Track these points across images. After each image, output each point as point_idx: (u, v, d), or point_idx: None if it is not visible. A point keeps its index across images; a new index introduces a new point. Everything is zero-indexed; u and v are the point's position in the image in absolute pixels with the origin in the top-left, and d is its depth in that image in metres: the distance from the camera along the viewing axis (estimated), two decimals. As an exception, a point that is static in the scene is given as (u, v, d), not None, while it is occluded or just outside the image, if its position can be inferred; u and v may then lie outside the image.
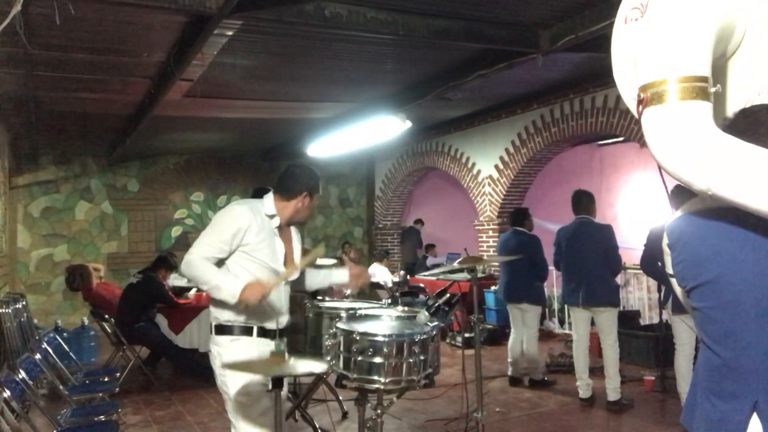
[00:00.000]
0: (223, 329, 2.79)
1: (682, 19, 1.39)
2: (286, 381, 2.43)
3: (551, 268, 6.03)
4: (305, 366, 2.41)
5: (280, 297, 2.88)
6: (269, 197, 2.93)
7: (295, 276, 2.96)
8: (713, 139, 1.34)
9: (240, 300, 2.62)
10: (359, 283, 3.25)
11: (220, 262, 2.77)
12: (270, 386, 2.28)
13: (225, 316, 2.78)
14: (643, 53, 1.44)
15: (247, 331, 2.78)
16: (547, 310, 8.57)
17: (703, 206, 1.52)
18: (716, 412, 1.48)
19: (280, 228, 2.91)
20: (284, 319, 2.88)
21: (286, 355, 2.41)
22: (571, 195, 5.48)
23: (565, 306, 8.03)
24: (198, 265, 2.68)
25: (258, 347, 2.76)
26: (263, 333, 2.81)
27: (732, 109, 1.56)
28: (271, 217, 2.87)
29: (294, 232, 3.05)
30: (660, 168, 1.46)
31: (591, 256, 5.22)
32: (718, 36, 1.42)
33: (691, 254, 1.54)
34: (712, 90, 1.39)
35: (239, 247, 2.76)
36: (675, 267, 1.60)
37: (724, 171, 1.32)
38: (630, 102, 1.61)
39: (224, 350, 2.76)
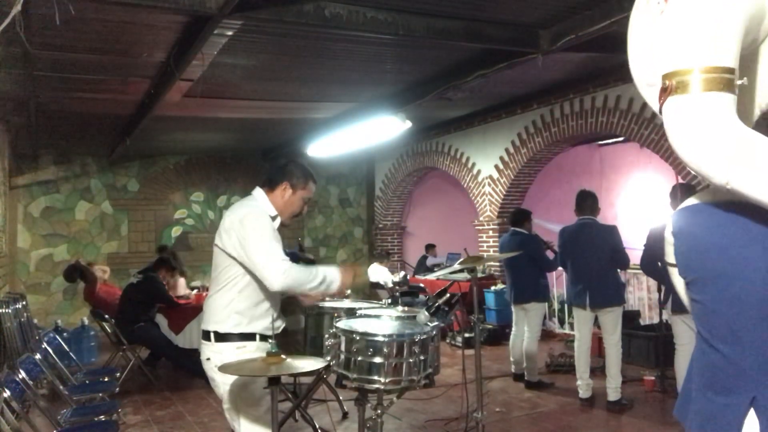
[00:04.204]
0: (226, 337, 2.73)
1: (711, 8, 1.36)
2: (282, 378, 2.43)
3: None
4: (302, 364, 2.40)
5: (276, 303, 2.86)
6: (263, 196, 2.87)
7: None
8: (735, 132, 1.32)
9: (341, 285, 2.75)
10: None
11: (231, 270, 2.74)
12: (266, 383, 2.28)
13: (228, 325, 2.72)
14: (670, 41, 1.41)
15: (250, 337, 2.74)
16: (547, 309, 8.58)
17: (713, 198, 1.49)
18: (712, 407, 1.46)
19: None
20: (279, 324, 2.83)
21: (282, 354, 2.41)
22: (576, 195, 5.49)
23: (565, 306, 8.05)
24: (292, 274, 2.61)
25: (262, 353, 2.64)
26: (263, 338, 2.76)
27: (762, 93, 1.53)
28: (274, 218, 2.84)
29: None
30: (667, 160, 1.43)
31: (596, 257, 5.22)
32: (748, 25, 1.40)
33: (696, 244, 1.51)
34: (738, 82, 1.37)
35: None
36: (678, 256, 1.57)
37: (745, 165, 1.29)
38: (644, 89, 1.55)
39: (227, 358, 2.65)
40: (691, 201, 1.56)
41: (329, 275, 2.72)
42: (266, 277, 2.60)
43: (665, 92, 1.38)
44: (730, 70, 1.35)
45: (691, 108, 1.34)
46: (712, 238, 1.47)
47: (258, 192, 2.91)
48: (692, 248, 1.52)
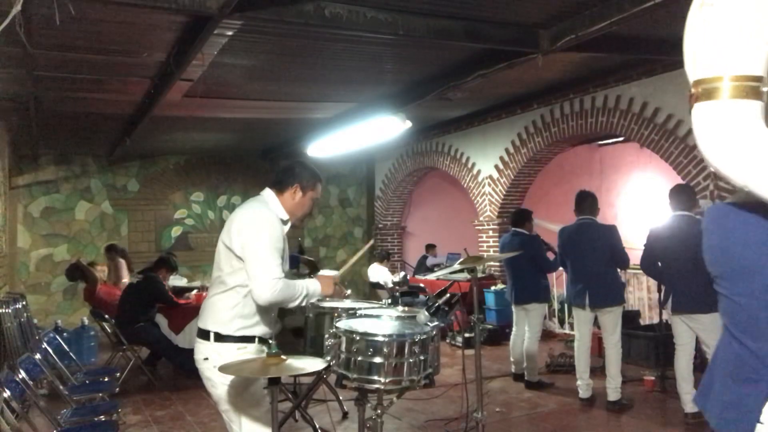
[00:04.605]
0: (226, 338, 2.72)
1: (743, 19, 1.42)
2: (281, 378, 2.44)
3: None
4: (302, 364, 2.41)
5: (276, 308, 2.89)
6: (274, 198, 2.87)
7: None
8: (757, 137, 1.39)
9: (323, 294, 2.87)
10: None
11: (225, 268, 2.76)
12: (266, 383, 2.29)
13: (231, 328, 2.72)
14: (702, 48, 1.48)
15: (250, 339, 2.76)
16: (547, 309, 8.58)
17: (743, 199, 1.57)
18: (732, 395, 1.52)
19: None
20: (277, 327, 2.89)
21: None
22: (576, 195, 5.49)
23: (565, 306, 8.05)
24: (282, 290, 2.65)
25: (261, 355, 2.72)
26: (262, 341, 2.80)
27: None
28: (285, 222, 2.85)
29: None
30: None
31: (596, 257, 5.22)
32: None
33: (720, 241, 1.59)
34: (765, 89, 1.43)
35: None
36: (705, 251, 1.65)
37: (762, 169, 1.36)
38: None
39: (227, 359, 2.63)
40: (729, 199, 1.65)
41: (310, 289, 2.81)
42: (255, 289, 2.63)
43: (693, 98, 1.46)
44: (758, 78, 1.41)
45: (718, 114, 1.42)
46: (736, 235, 1.54)
47: (269, 194, 2.90)
48: (717, 244, 1.60)
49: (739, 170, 1.38)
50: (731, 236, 1.55)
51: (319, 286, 2.84)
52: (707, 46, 1.46)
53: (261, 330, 2.80)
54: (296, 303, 2.75)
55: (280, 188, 2.89)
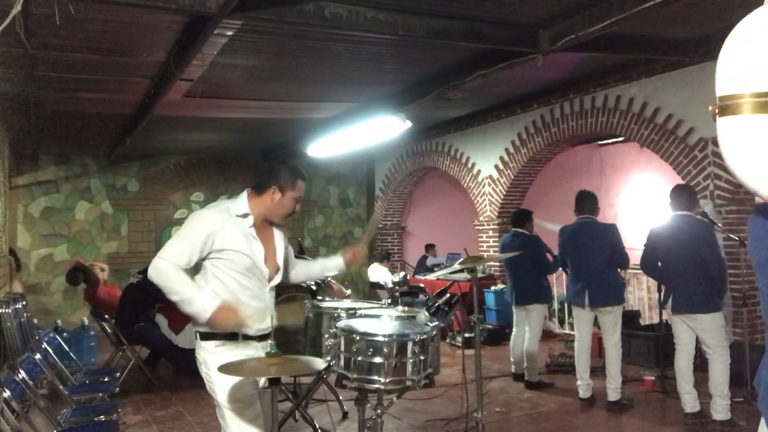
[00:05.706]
0: (208, 335, 2.73)
1: (763, 37, 1.49)
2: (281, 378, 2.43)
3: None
4: (302, 364, 2.42)
5: (265, 299, 2.82)
6: (242, 196, 2.86)
7: (275, 281, 2.89)
8: None
9: (211, 321, 2.61)
10: (357, 261, 3.26)
11: (192, 270, 2.76)
12: (266, 384, 2.28)
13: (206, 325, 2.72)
14: (726, 64, 1.55)
15: (232, 336, 2.72)
16: (547, 309, 8.58)
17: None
18: None
19: (256, 227, 2.80)
20: (268, 323, 2.77)
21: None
22: (576, 195, 5.50)
23: (565, 306, 8.05)
24: (170, 273, 2.64)
25: (243, 351, 2.70)
26: (247, 337, 2.75)
27: None
28: (243, 216, 2.78)
29: (277, 233, 2.94)
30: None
31: (596, 256, 5.22)
32: None
33: (753, 238, 1.69)
34: None
35: (212, 254, 2.73)
36: (748, 249, 1.80)
37: None
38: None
39: (210, 356, 2.69)
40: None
41: (196, 305, 2.64)
42: (151, 262, 2.69)
43: (717, 112, 1.54)
44: None
45: (741, 128, 1.50)
46: (759, 235, 1.65)
47: (242, 194, 2.89)
48: (751, 241, 1.73)
49: (765, 182, 1.46)
50: (762, 234, 1.67)
51: (211, 310, 2.60)
52: (730, 62, 1.53)
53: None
54: (173, 299, 2.72)
55: (258, 190, 2.84)
